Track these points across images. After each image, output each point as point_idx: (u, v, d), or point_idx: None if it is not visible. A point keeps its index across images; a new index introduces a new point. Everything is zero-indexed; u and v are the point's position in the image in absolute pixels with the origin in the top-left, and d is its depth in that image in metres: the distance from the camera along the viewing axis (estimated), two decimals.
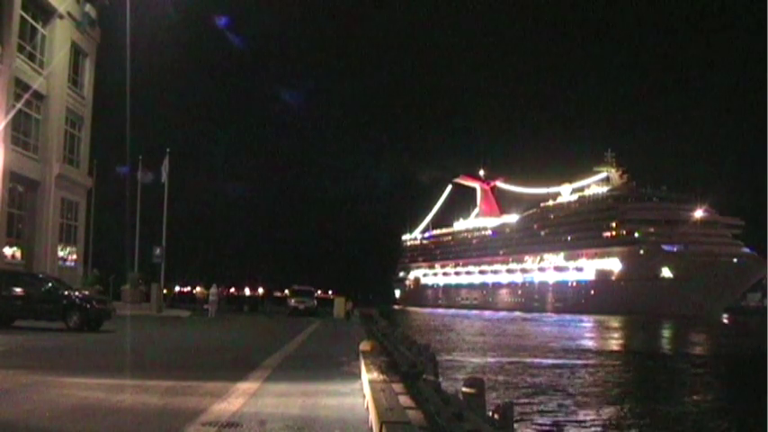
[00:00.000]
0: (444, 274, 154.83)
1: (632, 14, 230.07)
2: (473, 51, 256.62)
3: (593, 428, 14.65)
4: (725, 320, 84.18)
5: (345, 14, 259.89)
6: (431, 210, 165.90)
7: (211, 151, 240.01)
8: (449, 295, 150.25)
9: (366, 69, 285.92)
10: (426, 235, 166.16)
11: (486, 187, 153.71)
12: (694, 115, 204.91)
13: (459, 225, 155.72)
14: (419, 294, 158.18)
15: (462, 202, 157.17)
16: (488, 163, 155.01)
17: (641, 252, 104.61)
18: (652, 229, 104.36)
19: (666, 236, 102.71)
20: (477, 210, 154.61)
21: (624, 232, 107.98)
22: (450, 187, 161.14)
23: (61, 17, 28.85)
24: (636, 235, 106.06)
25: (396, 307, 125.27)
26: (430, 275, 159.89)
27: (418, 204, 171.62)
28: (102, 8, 31.99)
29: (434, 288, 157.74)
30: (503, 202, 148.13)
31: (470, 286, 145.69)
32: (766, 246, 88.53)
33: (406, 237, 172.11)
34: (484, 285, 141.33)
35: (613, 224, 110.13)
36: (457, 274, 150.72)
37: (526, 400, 17.22)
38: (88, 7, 30.96)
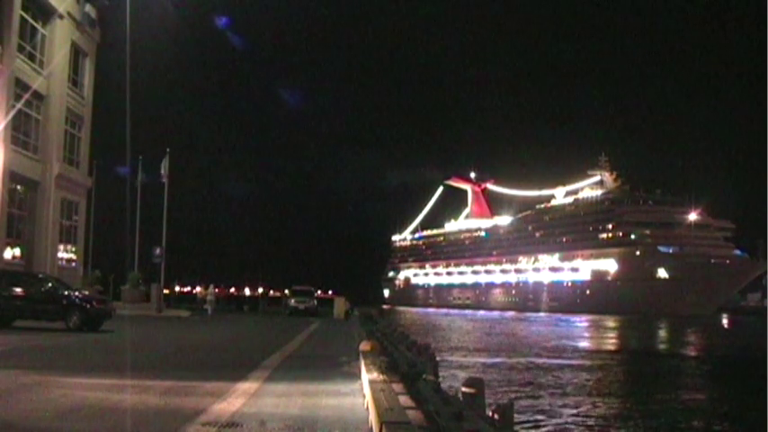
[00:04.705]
0: (436, 273, 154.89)
1: (626, 18, 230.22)
2: (467, 53, 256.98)
3: (591, 427, 14.68)
4: (724, 321, 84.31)
5: (344, 15, 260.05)
6: (420, 211, 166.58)
7: (211, 151, 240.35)
8: (440, 295, 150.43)
9: (364, 70, 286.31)
10: (417, 235, 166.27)
11: (478, 189, 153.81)
12: (687, 120, 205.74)
13: (451, 226, 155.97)
14: (409, 294, 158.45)
15: (453, 204, 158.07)
16: (480, 165, 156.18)
17: (637, 253, 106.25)
18: (648, 231, 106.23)
19: (662, 238, 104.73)
20: (467, 211, 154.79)
21: (620, 234, 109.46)
22: (441, 189, 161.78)
23: (61, 17, 28.84)
24: (632, 237, 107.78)
25: (384, 306, 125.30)
26: (420, 275, 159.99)
27: (408, 206, 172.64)
28: (102, 8, 31.99)
29: (425, 288, 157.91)
30: (494, 205, 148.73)
31: (462, 286, 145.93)
32: (760, 247, 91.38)
33: (395, 237, 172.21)
34: (477, 285, 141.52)
35: (609, 226, 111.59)
36: (449, 274, 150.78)
37: (525, 400, 17.25)
38: (88, 7, 30.96)
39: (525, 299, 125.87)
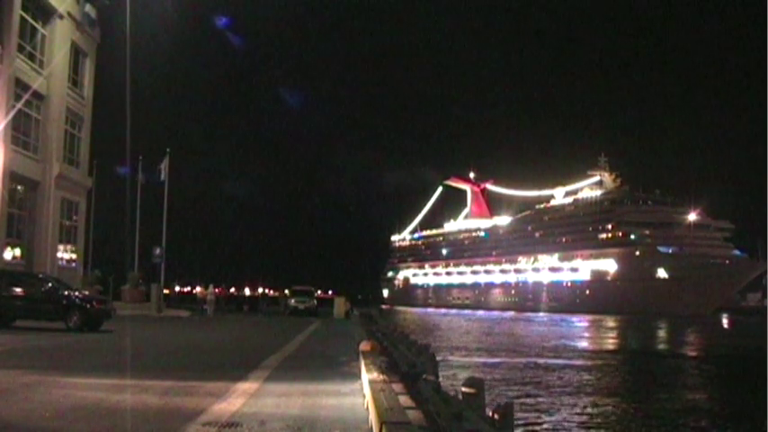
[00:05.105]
0: (435, 273, 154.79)
1: (626, 17, 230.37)
2: (467, 55, 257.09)
3: (591, 427, 14.67)
4: (724, 321, 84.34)
5: (344, 15, 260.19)
6: (420, 211, 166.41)
7: (211, 151, 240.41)
8: (439, 295, 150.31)
9: (363, 69, 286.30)
10: (416, 235, 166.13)
11: (477, 189, 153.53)
12: (687, 120, 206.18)
13: (450, 226, 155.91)
14: (408, 294, 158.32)
15: (452, 204, 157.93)
16: (479, 165, 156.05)
17: (637, 253, 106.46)
18: (648, 232, 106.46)
19: (662, 238, 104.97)
20: (466, 211, 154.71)
21: (620, 234, 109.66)
22: (440, 189, 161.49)
23: (61, 17, 28.84)
24: (632, 237, 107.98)
25: (384, 306, 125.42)
26: (420, 275, 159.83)
27: (407, 206, 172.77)
28: (102, 8, 31.99)
29: (424, 288, 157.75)
30: (493, 205, 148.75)
31: (462, 286, 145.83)
32: (756, 247, 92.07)
33: (395, 237, 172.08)
34: (476, 285, 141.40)
35: (609, 226, 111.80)
36: (448, 274, 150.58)
37: (525, 400, 17.25)
38: (88, 7, 30.97)
39: (525, 299, 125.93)
